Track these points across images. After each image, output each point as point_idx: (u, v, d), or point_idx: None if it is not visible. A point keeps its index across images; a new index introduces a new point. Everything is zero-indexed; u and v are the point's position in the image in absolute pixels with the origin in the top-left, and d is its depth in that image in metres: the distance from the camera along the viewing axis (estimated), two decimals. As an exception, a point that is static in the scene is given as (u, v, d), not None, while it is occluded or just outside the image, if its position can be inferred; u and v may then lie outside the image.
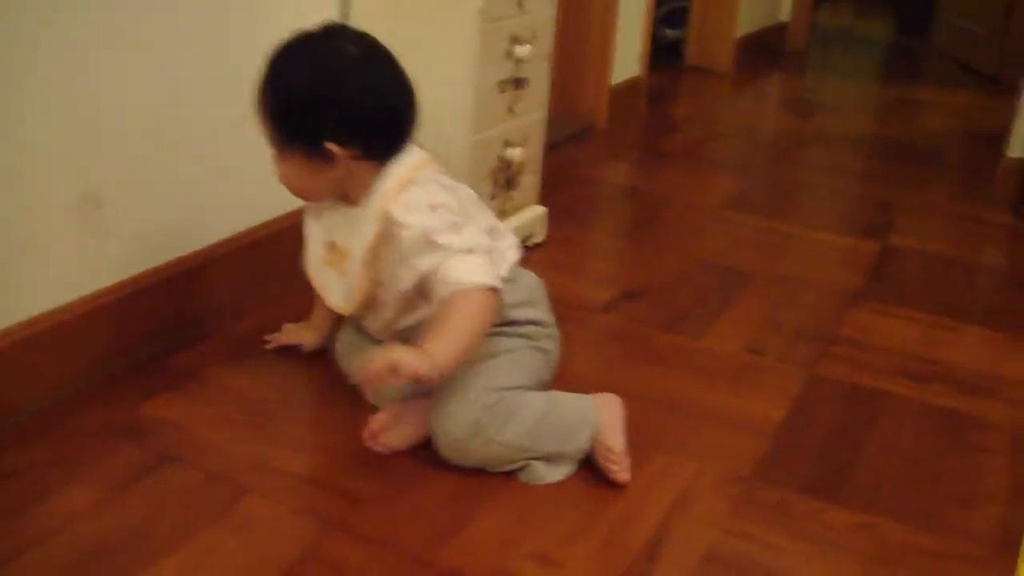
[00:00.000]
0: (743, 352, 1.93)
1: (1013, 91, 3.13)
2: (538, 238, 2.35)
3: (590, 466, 1.51)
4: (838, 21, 6.69)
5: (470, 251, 1.43)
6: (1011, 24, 4.71)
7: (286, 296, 2.00)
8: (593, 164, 3.12)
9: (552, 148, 2.81)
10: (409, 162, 1.49)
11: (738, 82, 4.47)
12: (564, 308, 1.69)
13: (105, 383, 1.66)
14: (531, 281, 1.62)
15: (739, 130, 3.78)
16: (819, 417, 1.73)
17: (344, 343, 1.70)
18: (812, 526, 1.44)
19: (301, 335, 1.79)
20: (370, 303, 1.55)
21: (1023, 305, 2.28)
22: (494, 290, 1.43)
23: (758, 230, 2.62)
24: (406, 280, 1.47)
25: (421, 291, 1.48)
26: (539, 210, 2.35)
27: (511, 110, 2.12)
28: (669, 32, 4.58)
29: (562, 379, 1.65)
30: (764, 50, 4.98)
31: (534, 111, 2.22)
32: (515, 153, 2.15)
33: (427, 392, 1.50)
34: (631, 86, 3.65)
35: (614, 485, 1.48)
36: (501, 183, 2.16)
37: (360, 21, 2.02)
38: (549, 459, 1.49)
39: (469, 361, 1.46)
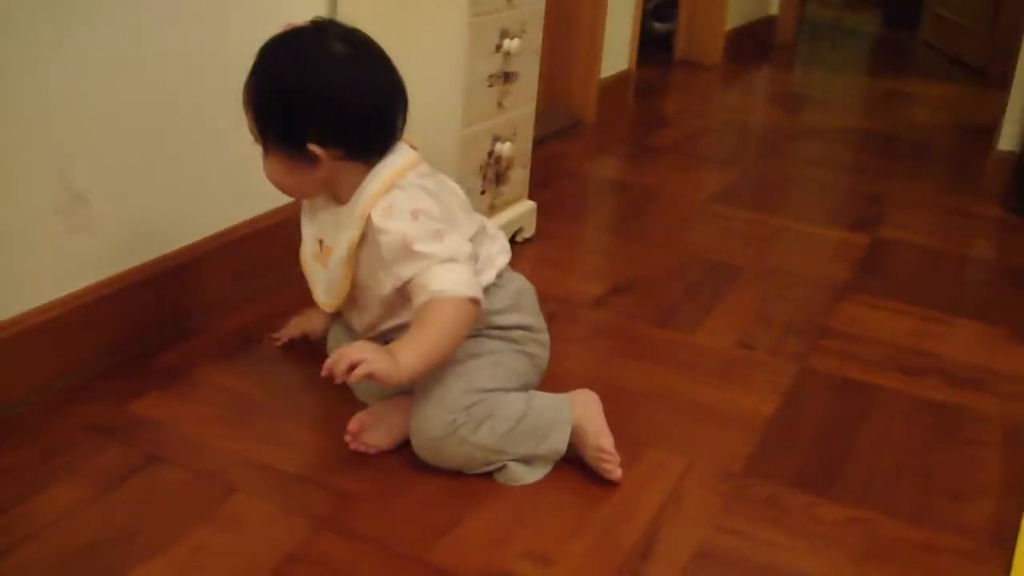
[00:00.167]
0: (733, 346, 1.93)
1: (1001, 83, 3.13)
2: (527, 233, 2.34)
3: (580, 464, 1.50)
4: (826, 14, 6.69)
5: (451, 260, 1.41)
6: (998, 16, 4.71)
7: (275, 292, 1.99)
8: (582, 158, 3.11)
9: (541, 142, 2.80)
10: (395, 164, 1.47)
11: (727, 75, 4.47)
12: (554, 303, 1.68)
13: (92, 381, 1.65)
14: (520, 285, 1.61)
15: (728, 124, 3.78)
16: (810, 411, 1.73)
17: (335, 337, 1.69)
18: (803, 521, 1.44)
19: (310, 322, 1.77)
20: (352, 302, 1.54)
21: (1013, 298, 2.28)
22: (473, 301, 1.42)
23: (748, 224, 2.62)
24: (387, 285, 1.46)
25: (403, 296, 1.46)
26: (528, 205, 2.34)
27: (500, 104, 2.11)
28: (658, 25, 4.57)
29: (552, 376, 1.65)
30: (753, 43, 4.98)
31: (523, 105, 2.22)
32: (504, 148, 2.14)
33: (413, 390, 1.49)
34: (620, 80, 3.64)
35: (605, 482, 1.47)
36: (490, 178, 2.15)
37: (348, 15, 2.01)
38: (525, 460, 1.48)
39: (452, 360, 1.45)
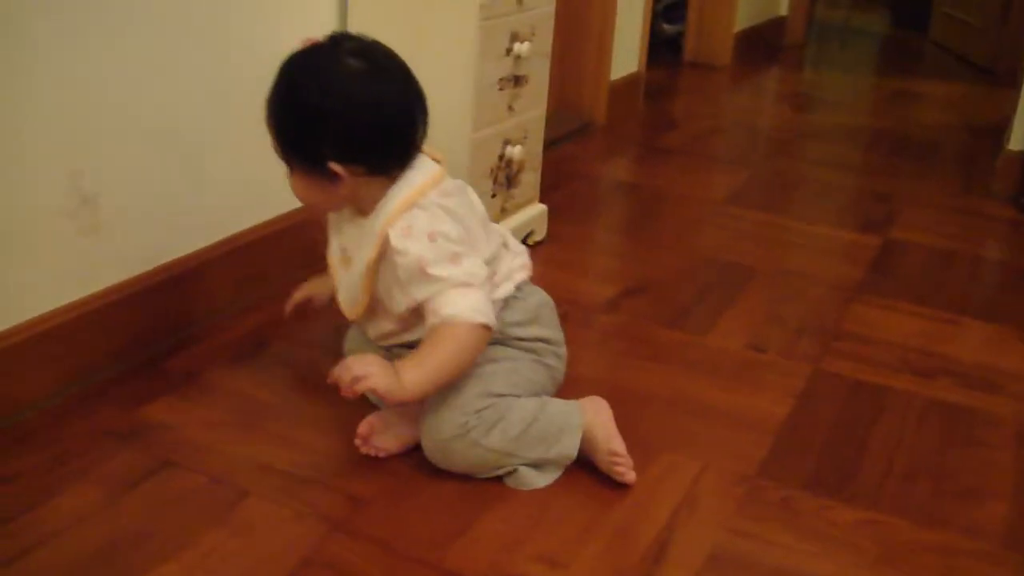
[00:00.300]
0: (746, 348, 1.93)
1: (1010, 83, 3.12)
2: (538, 236, 2.34)
3: (592, 468, 1.50)
4: (835, 15, 6.68)
5: (466, 284, 1.41)
6: (1008, 16, 4.70)
7: (283, 297, 1.99)
8: (593, 160, 3.11)
9: (551, 145, 2.80)
10: (415, 182, 1.45)
11: (737, 76, 4.47)
12: (566, 306, 1.68)
13: (104, 386, 1.66)
14: (540, 299, 1.61)
15: (738, 124, 3.77)
16: (823, 413, 1.72)
17: (352, 341, 1.69)
18: (817, 524, 1.44)
19: (315, 287, 1.74)
20: (368, 313, 1.54)
21: (1026, 298, 2.28)
22: (484, 327, 1.41)
23: (759, 225, 2.61)
24: (402, 303, 1.46)
25: (417, 314, 1.46)
26: (539, 208, 2.34)
27: (510, 108, 2.11)
28: (667, 27, 4.57)
29: (565, 378, 1.64)
30: (762, 44, 4.98)
31: (534, 108, 2.21)
32: (515, 151, 2.14)
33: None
34: (630, 82, 3.64)
35: (618, 485, 1.47)
36: (501, 181, 2.15)
37: (359, 20, 2.02)
38: (535, 464, 1.48)
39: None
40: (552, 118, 2.42)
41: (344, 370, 1.36)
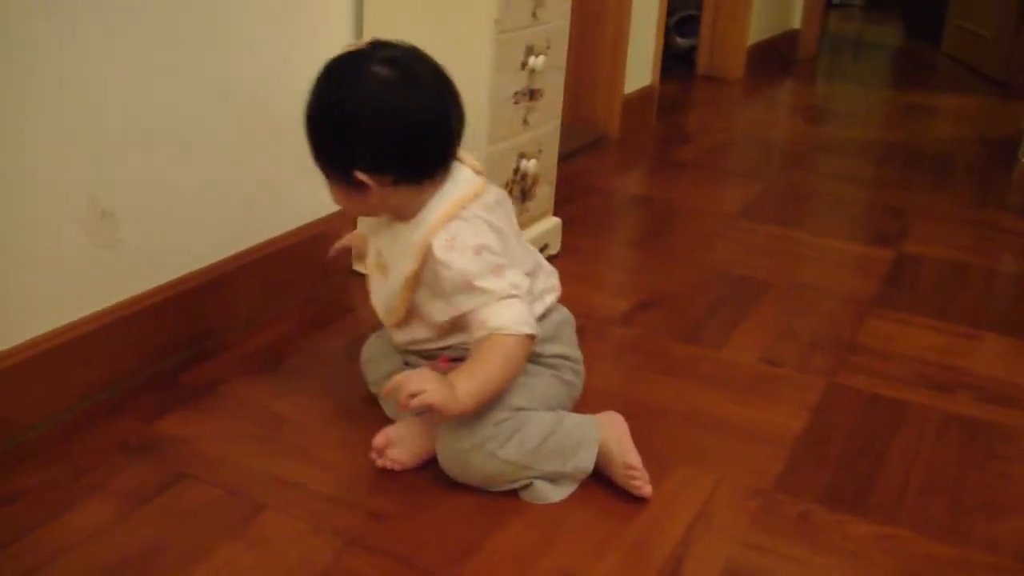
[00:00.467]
0: (760, 362, 1.92)
1: (1026, 96, 3.12)
2: (553, 249, 2.34)
3: (607, 482, 1.50)
4: (848, 27, 6.69)
5: (510, 296, 1.42)
6: (1022, 28, 4.69)
7: (299, 310, 2.00)
8: (607, 174, 3.11)
9: (565, 158, 2.80)
10: (454, 195, 1.45)
11: (750, 90, 4.47)
12: (581, 319, 1.68)
13: (119, 399, 1.66)
14: (561, 317, 1.61)
15: (752, 138, 3.77)
16: (839, 427, 1.72)
17: (371, 349, 1.69)
18: (834, 538, 1.43)
19: (357, 240, 1.74)
20: (405, 321, 1.54)
21: (1042, 312, 2.27)
22: (530, 337, 1.43)
23: (772, 238, 2.61)
24: (445, 313, 1.46)
25: (457, 324, 1.47)
26: (554, 221, 2.34)
27: (525, 121, 2.11)
28: (680, 41, 4.57)
29: (581, 392, 1.64)
30: (775, 57, 4.98)
31: (548, 122, 2.22)
32: (529, 165, 2.14)
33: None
34: (643, 95, 3.64)
35: (634, 499, 1.47)
36: (516, 195, 2.15)
37: (373, 33, 2.02)
38: (551, 478, 1.48)
39: None
40: (566, 132, 2.42)
41: (401, 386, 1.36)
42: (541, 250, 2.25)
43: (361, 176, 1.41)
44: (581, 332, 1.68)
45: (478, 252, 1.41)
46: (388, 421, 1.58)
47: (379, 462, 1.50)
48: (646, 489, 1.47)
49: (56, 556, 1.30)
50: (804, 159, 3.49)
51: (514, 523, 1.42)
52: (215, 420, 1.63)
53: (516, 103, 2.06)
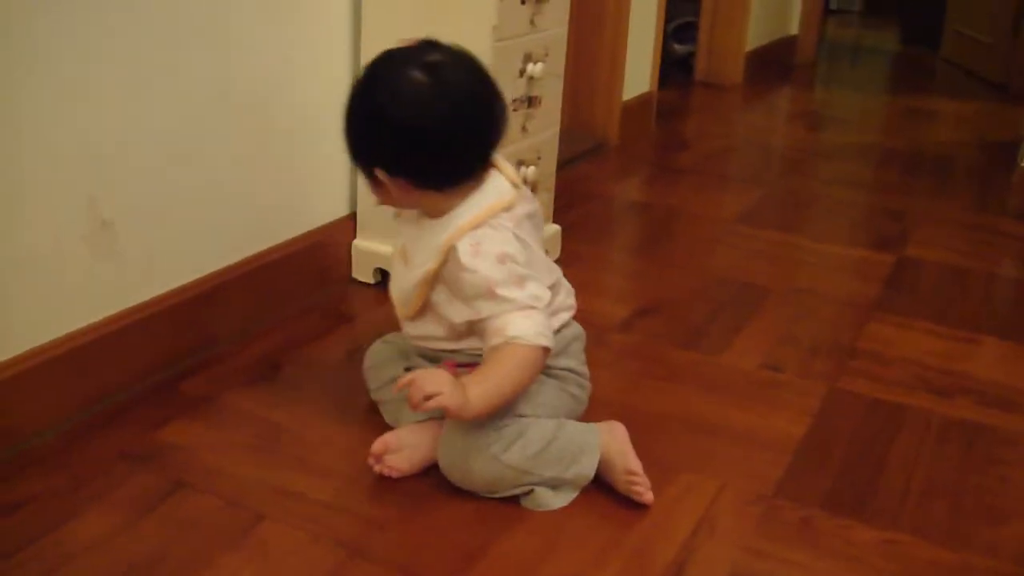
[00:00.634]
0: (761, 368, 1.92)
1: (1023, 100, 3.12)
2: (552, 256, 2.34)
3: (609, 489, 1.49)
4: (846, 33, 6.69)
5: (531, 307, 1.42)
6: (1019, 32, 4.70)
7: (298, 319, 2.00)
8: (606, 181, 3.11)
9: (564, 165, 2.80)
10: (486, 204, 1.46)
11: (748, 96, 4.47)
12: (581, 326, 1.67)
13: (119, 409, 1.66)
14: (573, 332, 1.61)
15: (751, 144, 3.77)
16: (840, 432, 1.71)
17: (375, 355, 1.69)
18: (836, 543, 1.43)
19: None
20: (420, 315, 1.54)
21: (1042, 316, 2.27)
22: (545, 349, 1.43)
23: (772, 244, 2.61)
24: (463, 314, 1.46)
25: (473, 328, 1.47)
26: (553, 228, 2.34)
27: (524, 129, 2.11)
28: (678, 47, 4.57)
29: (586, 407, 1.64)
30: (774, 64, 4.98)
31: (547, 129, 2.22)
32: (528, 172, 2.14)
33: (440, 417, 1.49)
34: (642, 102, 3.64)
35: (635, 506, 1.47)
36: (514, 201, 2.15)
37: (371, 40, 2.02)
38: (552, 485, 1.47)
39: None
40: (565, 138, 2.42)
41: (415, 388, 1.37)
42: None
43: (379, 173, 1.44)
44: (581, 339, 1.67)
45: (502, 261, 1.42)
46: (387, 429, 1.58)
47: (377, 468, 1.50)
48: (647, 496, 1.46)
49: (59, 566, 1.30)
50: (803, 164, 3.49)
51: (516, 530, 1.42)
52: (215, 429, 1.62)
53: (514, 110, 2.06)
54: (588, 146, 3.35)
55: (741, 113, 4.24)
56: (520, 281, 1.43)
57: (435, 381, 1.37)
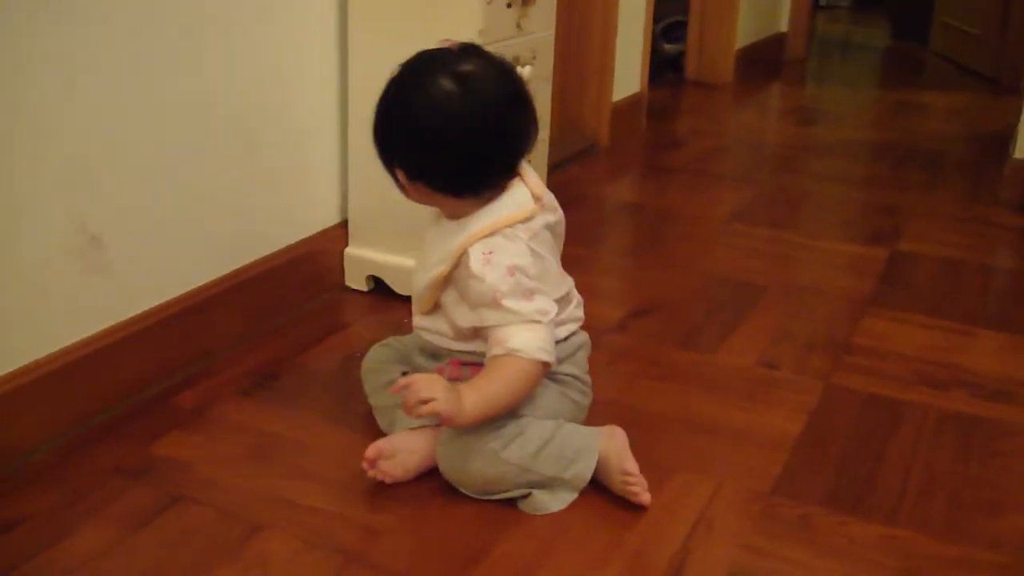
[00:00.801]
0: (757, 366, 1.92)
1: (1014, 91, 3.12)
2: (545, 259, 2.33)
3: (607, 490, 1.49)
4: (835, 29, 6.70)
5: (535, 321, 1.42)
6: (1008, 24, 4.70)
7: (291, 329, 1.99)
8: (598, 182, 3.11)
9: (556, 168, 2.80)
10: (505, 213, 1.46)
11: (739, 94, 4.47)
12: (587, 335, 1.67)
13: (114, 423, 1.65)
14: (579, 340, 1.61)
15: (742, 142, 3.77)
16: (837, 428, 1.71)
17: (373, 359, 1.69)
18: (835, 540, 1.42)
19: None
20: (433, 310, 1.55)
21: (1037, 306, 2.27)
22: (545, 364, 1.43)
23: (766, 241, 2.61)
24: (468, 320, 1.47)
25: (479, 333, 1.48)
26: (545, 230, 2.33)
27: (513, 131, 2.11)
28: (668, 47, 4.57)
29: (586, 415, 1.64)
30: (764, 61, 4.98)
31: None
32: (519, 174, 2.13)
33: (435, 423, 1.49)
34: (632, 102, 3.64)
35: (633, 507, 1.46)
36: (506, 205, 2.14)
37: (357, 43, 2.02)
38: (550, 487, 1.47)
39: None
40: (556, 141, 2.42)
41: (411, 391, 1.37)
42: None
43: (399, 174, 1.46)
44: (575, 341, 1.67)
45: (511, 273, 1.42)
46: (383, 435, 1.57)
47: (371, 473, 1.49)
48: (644, 496, 1.46)
49: (54, 583, 1.30)
50: (795, 161, 3.49)
51: (514, 533, 1.41)
52: (210, 441, 1.62)
53: (504, 114, 2.05)
54: (579, 148, 3.35)
55: (732, 111, 4.24)
56: (528, 294, 1.43)
57: (431, 387, 1.37)
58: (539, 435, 1.46)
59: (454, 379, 1.46)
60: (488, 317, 1.43)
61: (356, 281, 2.17)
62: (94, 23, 1.55)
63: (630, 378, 1.87)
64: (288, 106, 1.99)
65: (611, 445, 1.49)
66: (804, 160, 3.50)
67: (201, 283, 1.85)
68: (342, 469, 1.55)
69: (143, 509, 1.44)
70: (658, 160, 3.41)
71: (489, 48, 1.93)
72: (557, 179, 2.76)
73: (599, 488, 1.49)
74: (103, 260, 1.64)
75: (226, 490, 1.49)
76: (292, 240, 2.05)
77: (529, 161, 1.54)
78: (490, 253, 1.43)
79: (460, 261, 1.45)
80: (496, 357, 1.42)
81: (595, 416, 1.60)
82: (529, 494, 1.46)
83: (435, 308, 1.54)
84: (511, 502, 1.46)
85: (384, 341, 1.71)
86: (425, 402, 1.36)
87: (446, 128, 1.42)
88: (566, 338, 1.57)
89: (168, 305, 1.77)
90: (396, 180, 1.50)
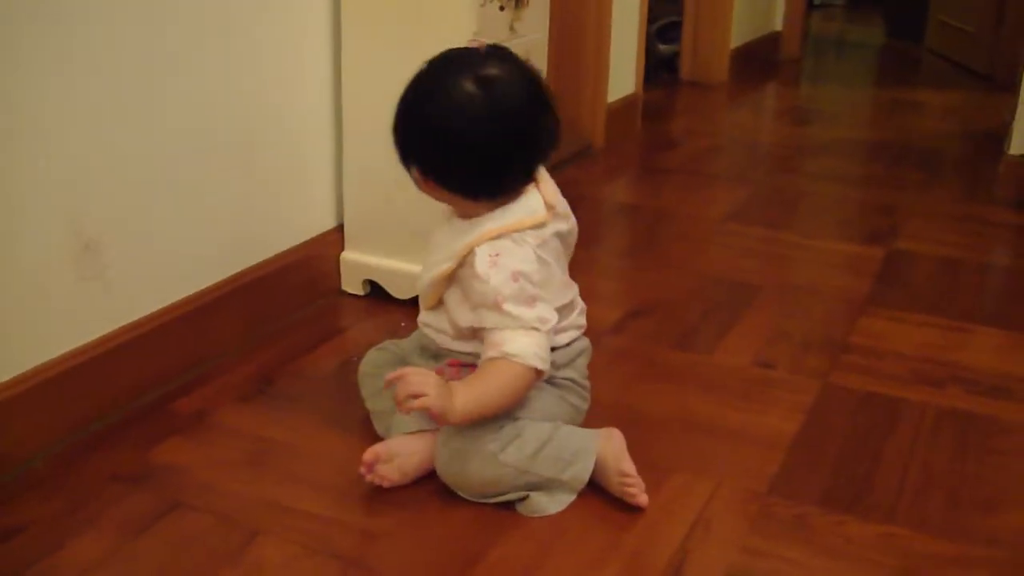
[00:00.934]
0: (754, 366, 1.92)
1: (1009, 88, 3.12)
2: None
3: (604, 492, 1.49)
4: (830, 27, 6.70)
5: (534, 328, 1.43)
6: (1003, 21, 4.70)
7: (287, 334, 1.99)
8: (593, 184, 3.11)
9: (551, 169, 2.79)
10: (514, 219, 1.47)
11: (734, 94, 4.47)
12: (589, 341, 1.67)
13: (111, 430, 1.65)
14: (581, 345, 1.62)
15: (738, 141, 3.77)
16: (834, 427, 1.71)
17: (370, 363, 1.69)
18: (833, 540, 1.43)
19: None
20: (438, 306, 1.56)
21: (1033, 303, 2.27)
22: (539, 372, 1.44)
23: (762, 241, 2.61)
24: (464, 318, 1.48)
25: (477, 335, 1.48)
26: (541, 233, 2.33)
27: (508, 134, 2.11)
28: (663, 47, 4.57)
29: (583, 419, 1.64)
30: (759, 60, 4.98)
31: (531, 134, 2.21)
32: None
33: (433, 428, 1.50)
34: (627, 104, 3.64)
35: (630, 509, 1.46)
36: (502, 208, 2.15)
37: (351, 47, 2.02)
38: (548, 488, 1.47)
39: None
40: (551, 143, 2.42)
41: (403, 384, 1.37)
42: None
43: (414, 170, 1.47)
44: (572, 343, 1.67)
45: (516, 278, 1.43)
46: (380, 440, 1.57)
47: (368, 477, 1.49)
48: (642, 498, 1.46)
49: (52, 591, 1.30)
50: (791, 161, 3.49)
51: (512, 536, 1.42)
52: (207, 447, 1.62)
53: (498, 117, 2.05)
54: (574, 149, 3.35)
55: (727, 111, 4.25)
56: (530, 301, 1.43)
57: (423, 382, 1.38)
58: (537, 437, 1.46)
59: (451, 380, 1.46)
60: (487, 319, 1.44)
61: (352, 285, 2.17)
62: (94, 32, 1.56)
63: (627, 379, 1.87)
64: (283, 110, 1.99)
65: (608, 446, 1.49)
66: (799, 160, 3.50)
67: (198, 289, 1.85)
68: (339, 474, 1.55)
69: (142, 515, 1.44)
70: (654, 161, 3.41)
71: (483, 51, 1.94)
72: (553, 180, 2.76)
73: (597, 489, 1.49)
74: (99, 266, 1.64)
75: (224, 496, 1.49)
76: (288, 245, 2.05)
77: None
78: (497, 255, 1.43)
79: (466, 260, 1.46)
80: (491, 359, 1.43)
81: (592, 417, 1.60)
82: (527, 496, 1.46)
83: (439, 304, 1.55)
84: (509, 505, 1.46)
85: (381, 345, 1.71)
86: (416, 396, 1.36)
87: (464, 131, 1.42)
88: (568, 344, 1.57)
89: (165, 311, 1.77)
90: (411, 175, 1.51)
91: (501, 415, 1.45)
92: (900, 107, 4.35)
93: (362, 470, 1.50)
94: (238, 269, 1.93)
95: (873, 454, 1.63)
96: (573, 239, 1.60)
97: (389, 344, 1.70)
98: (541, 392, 1.52)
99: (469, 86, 1.42)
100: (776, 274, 2.38)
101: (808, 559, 1.38)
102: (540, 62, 2.18)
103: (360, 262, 2.15)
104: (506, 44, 2.01)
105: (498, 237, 1.45)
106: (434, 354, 1.58)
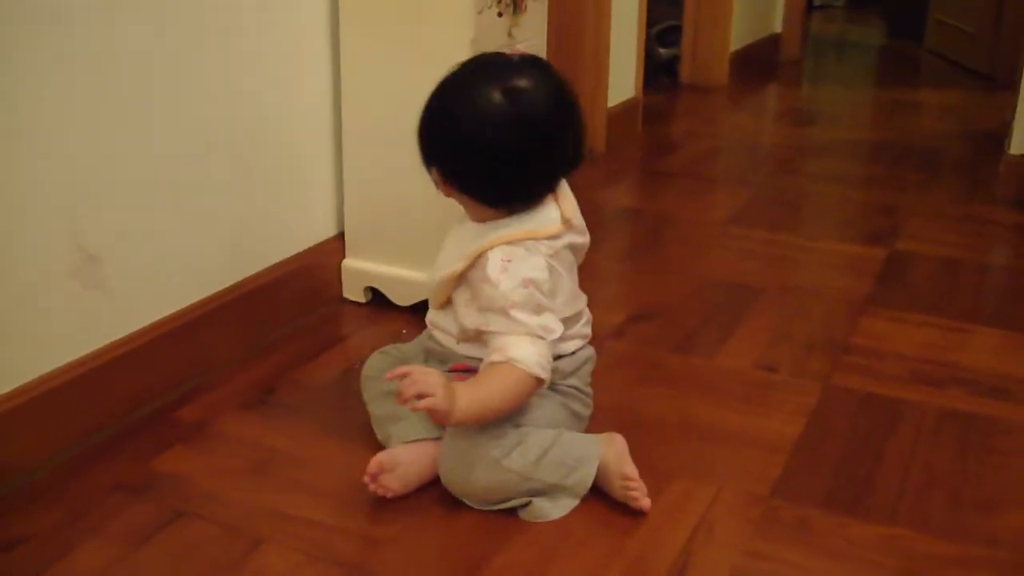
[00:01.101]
0: (756, 368, 1.92)
1: (1009, 87, 3.11)
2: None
3: (607, 497, 1.49)
4: (830, 29, 6.70)
5: (539, 337, 1.43)
6: (1002, 20, 4.70)
7: (289, 342, 1.99)
8: (594, 188, 3.11)
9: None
10: (530, 227, 1.48)
11: (735, 96, 4.47)
12: (594, 350, 1.68)
13: (114, 440, 1.65)
14: (586, 354, 1.62)
15: (739, 144, 3.77)
16: (836, 430, 1.71)
17: (372, 366, 1.69)
18: (835, 542, 1.43)
19: None
20: (446, 307, 1.56)
21: (1035, 303, 2.27)
22: (540, 380, 1.44)
23: (763, 243, 2.61)
24: (471, 320, 1.49)
25: (479, 337, 1.49)
26: (542, 238, 2.34)
27: (507, 140, 2.11)
28: (663, 51, 4.58)
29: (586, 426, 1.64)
30: (759, 62, 4.98)
31: (530, 139, 2.21)
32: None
33: (434, 436, 1.50)
34: (627, 108, 3.65)
35: (633, 513, 1.46)
36: (502, 213, 2.15)
37: (349, 54, 2.02)
38: (551, 494, 1.47)
39: None
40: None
41: (408, 381, 1.37)
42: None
43: (434, 172, 1.49)
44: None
45: (526, 285, 1.43)
46: (381, 448, 1.58)
47: (371, 487, 1.49)
48: (644, 502, 1.46)
49: (56, 601, 1.30)
50: (792, 162, 3.49)
51: (515, 542, 1.42)
52: (209, 456, 1.62)
53: (497, 123, 2.05)
54: (575, 154, 3.34)
55: (728, 114, 4.25)
56: (538, 309, 1.44)
57: (429, 381, 1.37)
58: (540, 443, 1.46)
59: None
60: (494, 323, 1.44)
61: (354, 293, 2.17)
62: (93, 41, 1.56)
63: (629, 383, 1.87)
64: (282, 117, 1.99)
65: (611, 451, 1.50)
66: (800, 161, 3.50)
67: (199, 298, 1.85)
68: (341, 481, 1.55)
69: (145, 525, 1.44)
70: (654, 164, 3.41)
71: (481, 57, 1.95)
72: (574, 196, 2.77)
73: (599, 494, 1.49)
74: (101, 278, 1.64)
75: (227, 504, 1.49)
76: (289, 253, 2.05)
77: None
78: (508, 261, 1.44)
79: (477, 262, 1.46)
80: (494, 363, 1.43)
81: (595, 422, 1.60)
82: (529, 503, 1.46)
83: (447, 304, 1.55)
84: (512, 511, 1.46)
85: (383, 349, 1.72)
86: (422, 396, 1.36)
87: (486, 140, 1.43)
88: (573, 352, 1.58)
89: (166, 320, 1.78)
90: (430, 175, 1.52)
91: (503, 421, 1.45)
92: (900, 107, 4.35)
93: (366, 480, 1.50)
94: (239, 278, 1.94)
95: (875, 455, 1.63)
96: (584, 253, 1.61)
97: (391, 348, 1.71)
98: (544, 399, 1.52)
99: (496, 95, 1.42)
100: (777, 276, 2.38)
101: (810, 561, 1.38)
102: (538, 68, 2.19)
103: (361, 269, 2.15)
104: (506, 50, 2.02)
105: (512, 243, 1.46)
106: (439, 358, 1.58)
